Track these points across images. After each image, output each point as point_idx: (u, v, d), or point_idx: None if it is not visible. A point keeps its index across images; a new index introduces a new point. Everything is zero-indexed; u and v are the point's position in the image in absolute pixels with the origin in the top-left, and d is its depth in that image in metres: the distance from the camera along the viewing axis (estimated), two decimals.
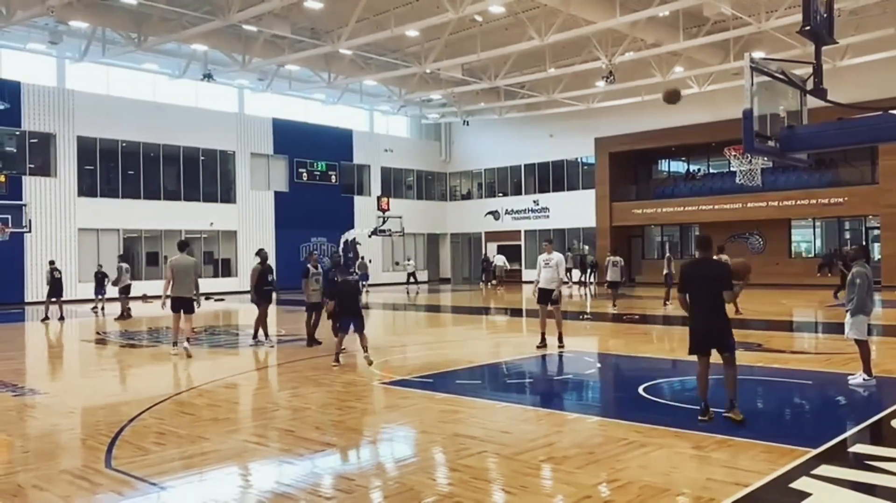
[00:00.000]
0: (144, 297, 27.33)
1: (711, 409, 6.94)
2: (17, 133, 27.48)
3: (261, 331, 13.65)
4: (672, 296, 20.35)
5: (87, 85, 29.12)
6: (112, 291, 21.35)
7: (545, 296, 12.13)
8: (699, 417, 6.92)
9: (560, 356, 11.76)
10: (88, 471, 5.72)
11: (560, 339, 12.18)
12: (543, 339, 12.30)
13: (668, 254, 23.45)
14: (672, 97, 8.37)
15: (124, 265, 21.11)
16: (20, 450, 6.59)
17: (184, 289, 12.22)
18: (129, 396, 8.97)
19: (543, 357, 11.78)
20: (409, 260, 37.55)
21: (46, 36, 26.73)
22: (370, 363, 10.62)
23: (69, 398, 9.06)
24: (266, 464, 6.04)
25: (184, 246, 12.97)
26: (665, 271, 21.22)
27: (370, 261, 35.52)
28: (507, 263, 36.79)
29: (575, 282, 34.50)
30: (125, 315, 20.19)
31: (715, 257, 8.97)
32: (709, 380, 7.06)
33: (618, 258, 22.10)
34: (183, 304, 12.19)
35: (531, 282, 13.40)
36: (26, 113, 27.27)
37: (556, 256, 12.21)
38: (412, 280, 35.78)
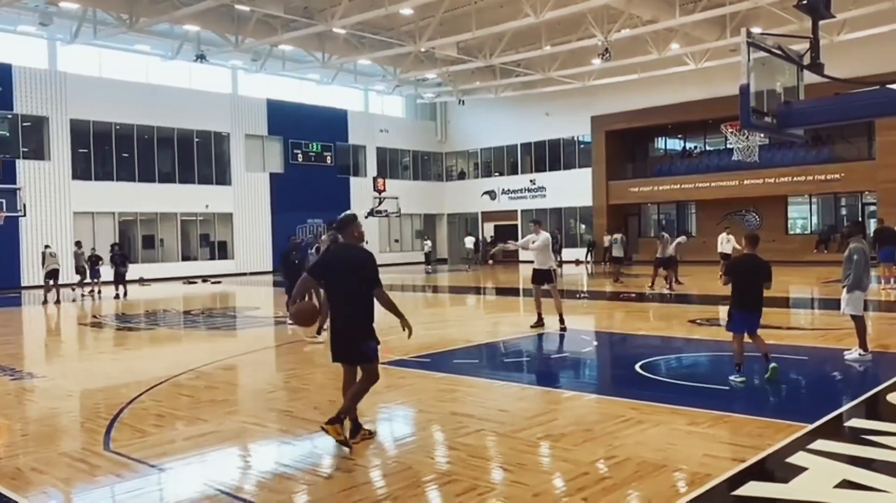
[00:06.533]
0: (141, 281, 27.36)
1: None
2: (10, 116, 27.27)
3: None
4: (657, 279, 19.92)
5: (80, 67, 28.83)
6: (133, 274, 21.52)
7: (539, 276, 12.20)
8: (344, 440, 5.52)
9: (557, 334, 11.77)
10: (87, 453, 5.74)
11: (561, 321, 11.98)
12: (540, 319, 12.30)
13: (663, 234, 20.91)
14: None
15: (48, 250, 21.16)
16: (19, 434, 6.60)
17: None
18: (127, 379, 8.96)
19: (540, 336, 11.79)
20: (426, 239, 37.34)
21: (36, 17, 26.40)
22: None
23: (67, 381, 9.06)
24: (265, 444, 6.06)
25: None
26: (658, 254, 19.70)
27: (367, 242, 35.41)
28: (474, 245, 37.02)
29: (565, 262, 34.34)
30: (55, 300, 20.19)
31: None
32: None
33: (618, 235, 22.21)
34: None
35: (530, 261, 13.38)
36: (18, 96, 27.02)
37: (543, 236, 12.24)
38: (429, 260, 35.38)
